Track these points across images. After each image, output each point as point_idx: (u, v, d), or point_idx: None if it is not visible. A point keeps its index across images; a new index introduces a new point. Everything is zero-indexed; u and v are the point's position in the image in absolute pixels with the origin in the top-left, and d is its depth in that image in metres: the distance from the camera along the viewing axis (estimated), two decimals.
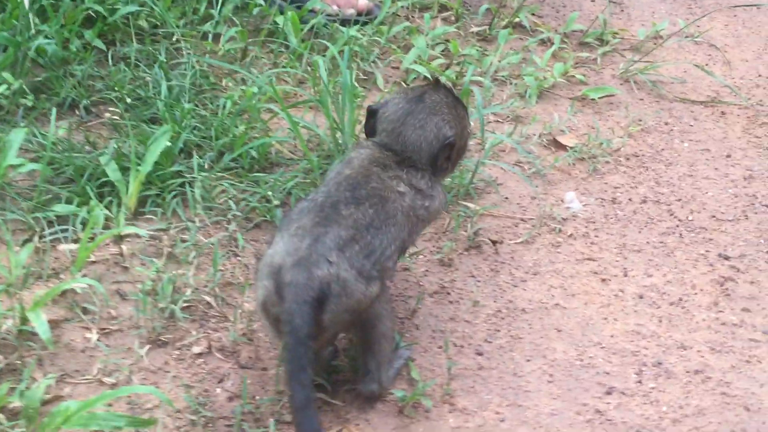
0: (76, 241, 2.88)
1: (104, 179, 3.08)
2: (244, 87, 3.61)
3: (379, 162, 2.65)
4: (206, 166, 3.20)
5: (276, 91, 3.20)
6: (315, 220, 2.45)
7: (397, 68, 4.09)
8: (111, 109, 3.49)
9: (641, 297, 3.04)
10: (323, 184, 2.66)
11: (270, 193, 3.11)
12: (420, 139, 2.68)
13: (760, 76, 4.37)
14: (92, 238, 2.85)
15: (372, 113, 2.79)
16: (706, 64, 4.40)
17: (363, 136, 3.45)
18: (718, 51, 4.48)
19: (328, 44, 3.64)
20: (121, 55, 3.76)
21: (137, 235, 2.95)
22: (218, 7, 4.02)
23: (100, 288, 2.65)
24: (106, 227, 2.93)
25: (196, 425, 2.43)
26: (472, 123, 2.97)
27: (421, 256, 3.10)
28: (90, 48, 3.74)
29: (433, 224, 3.07)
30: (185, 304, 2.75)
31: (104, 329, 2.66)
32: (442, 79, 2.82)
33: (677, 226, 3.37)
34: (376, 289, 2.42)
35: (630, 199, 3.49)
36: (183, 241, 2.96)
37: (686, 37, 4.54)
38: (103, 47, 3.78)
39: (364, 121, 2.84)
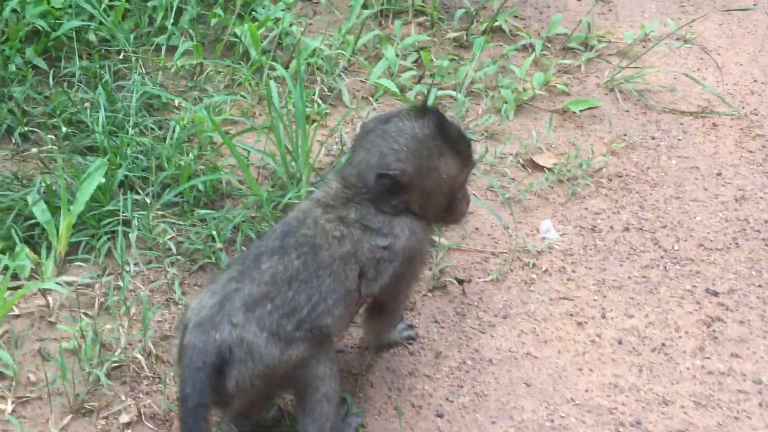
0: None
1: (34, 220, 2.82)
2: (196, 107, 3.34)
3: (323, 201, 2.36)
4: (149, 203, 2.94)
5: (216, 124, 2.93)
6: (231, 274, 2.21)
7: (366, 81, 3.82)
8: (48, 136, 3.23)
9: (620, 343, 2.78)
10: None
11: (215, 232, 2.85)
12: (363, 163, 2.35)
13: (755, 81, 4.08)
14: (17, 288, 2.60)
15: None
16: (698, 69, 4.12)
17: (318, 158, 3.21)
18: (710, 54, 4.19)
19: (277, 65, 3.36)
20: (64, 74, 3.50)
21: (68, 284, 2.69)
22: (172, 16, 3.74)
23: (9, 360, 2.40)
24: (33, 274, 2.69)
25: None
26: (474, 168, 2.48)
27: None
28: (30, 67, 3.48)
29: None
30: (115, 365, 2.50)
31: (21, 398, 2.41)
32: (433, 106, 2.40)
33: (662, 257, 3.11)
34: (298, 351, 2.15)
35: (611, 227, 3.23)
36: (117, 289, 2.70)
37: (677, 39, 4.26)
38: (45, 66, 3.52)
39: None
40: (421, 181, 2.36)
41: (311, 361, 2.19)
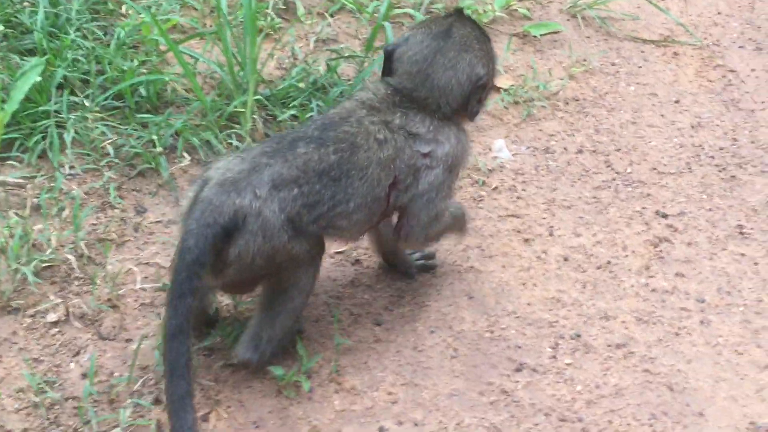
0: None
1: None
2: (142, 12, 3.21)
3: (369, 103, 2.31)
4: (87, 105, 2.84)
5: (162, 29, 2.81)
6: (265, 149, 2.17)
7: None
8: None
9: (566, 259, 2.75)
10: None
11: (155, 137, 2.76)
12: (451, 81, 2.35)
13: (719, 13, 4.02)
14: None
15: (389, 55, 2.39)
16: None
17: (268, 72, 3.13)
18: None
19: None
20: None
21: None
22: None
23: None
24: None
25: (39, 407, 2.13)
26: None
27: None
28: None
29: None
30: (45, 265, 2.43)
31: None
32: (466, 11, 2.48)
33: (614, 179, 3.07)
34: (301, 247, 2.14)
35: (565, 149, 3.18)
36: (50, 190, 2.62)
37: None
38: None
39: (381, 65, 2.44)
40: (492, 80, 2.52)
41: (301, 267, 2.17)
